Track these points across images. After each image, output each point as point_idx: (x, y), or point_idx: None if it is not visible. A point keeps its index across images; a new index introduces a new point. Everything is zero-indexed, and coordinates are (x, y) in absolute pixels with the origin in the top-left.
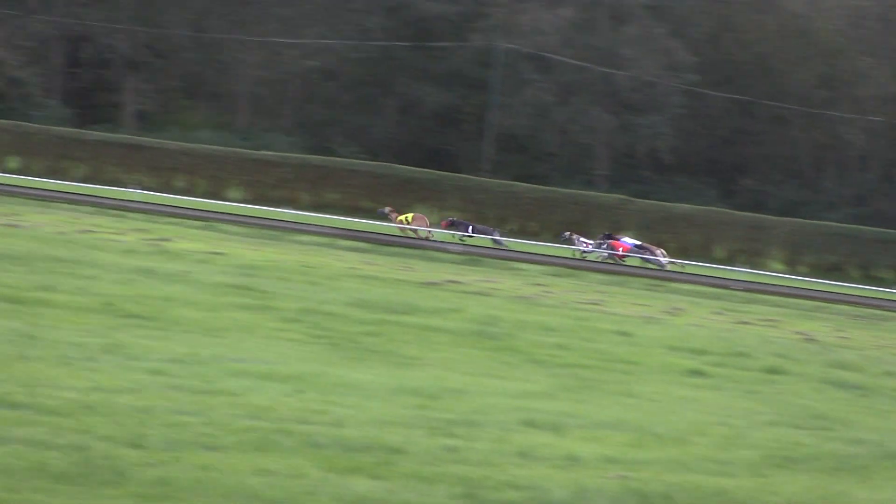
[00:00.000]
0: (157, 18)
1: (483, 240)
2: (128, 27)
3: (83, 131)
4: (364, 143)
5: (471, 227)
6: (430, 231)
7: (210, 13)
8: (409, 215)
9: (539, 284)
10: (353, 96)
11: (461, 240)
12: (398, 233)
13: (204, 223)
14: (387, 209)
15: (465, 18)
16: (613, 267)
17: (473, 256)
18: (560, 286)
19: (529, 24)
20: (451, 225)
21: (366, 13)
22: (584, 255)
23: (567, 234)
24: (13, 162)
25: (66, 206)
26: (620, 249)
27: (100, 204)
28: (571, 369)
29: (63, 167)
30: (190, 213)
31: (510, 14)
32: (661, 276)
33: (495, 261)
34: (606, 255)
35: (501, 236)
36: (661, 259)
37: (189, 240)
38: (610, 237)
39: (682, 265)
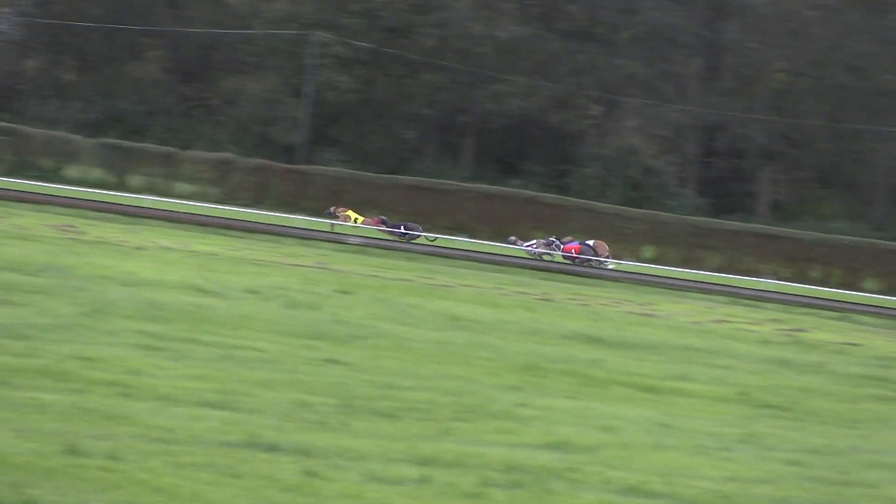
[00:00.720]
0: (793, 108)
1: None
2: (764, 117)
3: (717, 220)
4: None
5: (402, 227)
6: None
7: (847, 103)
8: (360, 218)
9: None
10: None
11: (403, 238)
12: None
13: (839, 314)
14: (332, 209)
15: None
16: None
17: None
18: None
19: None
20: (382, 223)
21: None
22: (537, 256)
23: (513, 238)
24: (648, 251)
25: (700, 295)
26: (573, 251)
27: (734, 294)
28: None
29: (697, 257)
30: (825, 303)
31: None
32: None
33: None
34: (562, 255)
35: (421, 232)
36: (607, 261)
37: (825, 330)
38: (559, 239)
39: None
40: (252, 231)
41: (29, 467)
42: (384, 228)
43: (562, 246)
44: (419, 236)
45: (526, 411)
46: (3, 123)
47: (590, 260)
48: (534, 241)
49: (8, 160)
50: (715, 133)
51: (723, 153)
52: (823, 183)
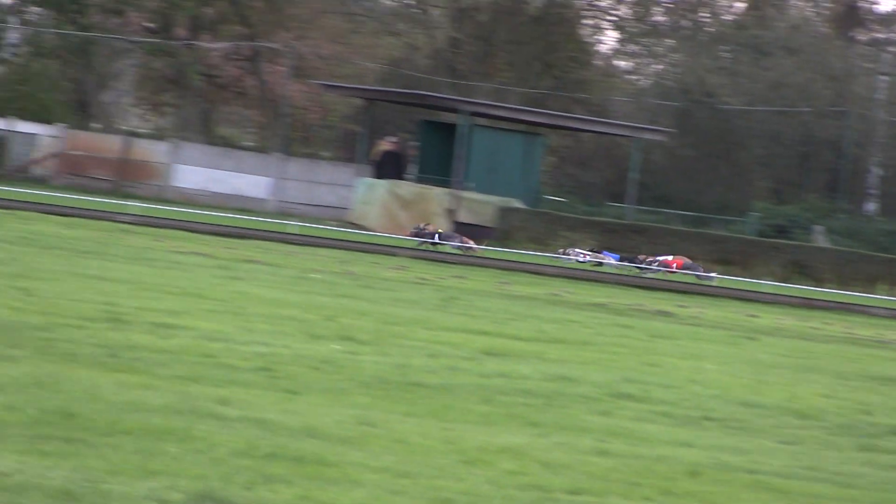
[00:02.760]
0: None
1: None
2: None
3: None
4: None
5: (437, 235)
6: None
7: None
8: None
9: None
10: None
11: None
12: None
13: None
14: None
15: None
16: None
17: None
18: None
19: None
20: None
21: None
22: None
23: (561, 249)
24: None
25: None
26: (675, 265)
27: None
28: None
29: None
30: None
31: None
32: None
33: None
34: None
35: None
36: (710, 275)
37: None
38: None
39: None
40: None
41: None
42: (417, 239)
43: (658, 260)
44: (458, 245)
45: None
46: None
47: (693, 274)
48: (580, 250)
49: None
50: None
51: None
52: None
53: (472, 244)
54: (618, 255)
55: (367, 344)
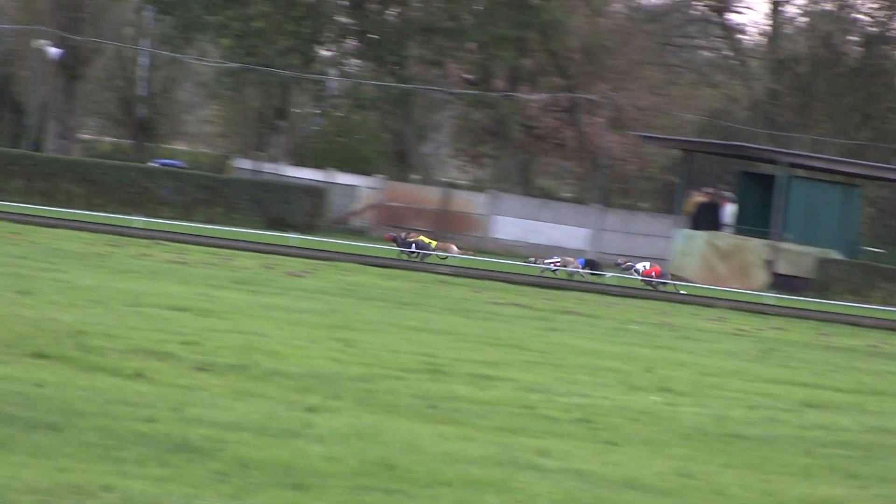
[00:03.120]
0: None
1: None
2: None
3: None
4: None
5: (414, 245)
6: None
7: None
8: (434, 242)
9: None
10: None
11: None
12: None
13: None
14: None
15: None
16: None
17: None
18: None
19: None
20: (395, 241)
21: None
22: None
23: (532, 258)
24: None
25: None
26: (654, 273)
27: None
28: None
29: None
30: None
31: None
32: None
33: None
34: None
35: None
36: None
37: None
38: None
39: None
40: None
41: None
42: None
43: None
44: (432, 255)
45: None
46: None
47: (666, 283)
48: (556, 259)
49: None
50: None
51: None
52: None
53: (453, 252)
54: (583, 260)
55: (685, 395)
